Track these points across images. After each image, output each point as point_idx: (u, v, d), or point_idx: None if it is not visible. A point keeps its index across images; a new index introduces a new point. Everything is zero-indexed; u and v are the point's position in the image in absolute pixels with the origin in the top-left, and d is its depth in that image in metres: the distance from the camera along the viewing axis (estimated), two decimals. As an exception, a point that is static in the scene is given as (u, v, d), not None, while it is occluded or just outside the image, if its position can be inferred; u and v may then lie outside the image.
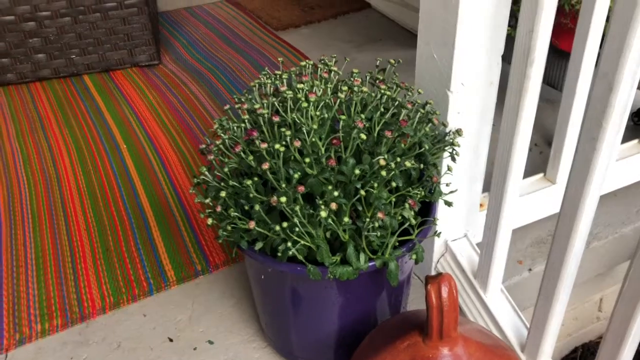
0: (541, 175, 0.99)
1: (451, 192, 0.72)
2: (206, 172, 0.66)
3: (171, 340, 0.86)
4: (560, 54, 1.22)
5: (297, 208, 0.59)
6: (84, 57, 1.55)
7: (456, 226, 0.87)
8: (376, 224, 0.59)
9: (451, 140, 0.70)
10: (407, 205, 0.61)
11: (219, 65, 1.60)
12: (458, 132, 0.71)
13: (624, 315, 0.62)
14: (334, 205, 0.59)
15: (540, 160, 1.15)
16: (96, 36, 1.52)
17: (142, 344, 0.85)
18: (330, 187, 0.59)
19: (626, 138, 1.06)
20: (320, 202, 0.59)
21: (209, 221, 0.65)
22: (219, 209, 0.65)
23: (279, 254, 0.61)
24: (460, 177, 0.80)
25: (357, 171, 0.60)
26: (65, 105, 1.46)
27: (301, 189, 0.59)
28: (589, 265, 1.02)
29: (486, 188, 0.82)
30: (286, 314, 0.73)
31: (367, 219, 0.60)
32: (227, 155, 0.66)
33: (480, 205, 0.90)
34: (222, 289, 0.94)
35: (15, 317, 0.89)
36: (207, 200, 0.66)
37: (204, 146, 0.71)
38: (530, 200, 0.95)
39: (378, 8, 1.85)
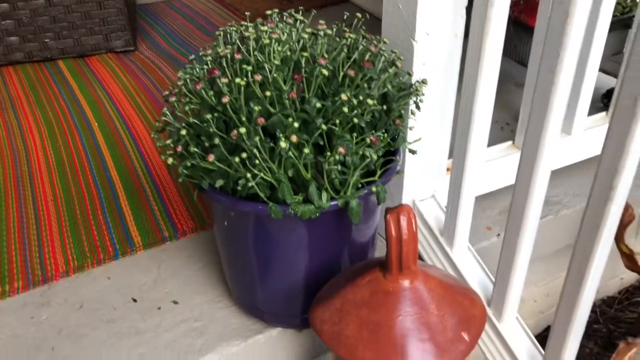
0: (510, 143, 0.99)
1: (415, 140, 0.72)
2: (167, 113, 0.66)
3: (135, 300, 0.84)
4: (531, 31, 1.24)
5: (257, 139, 0.58)
6: (58, 42, 1.54)
7: (423, 187, 0.87)
8: (337, 157, 0.59)
9: (416, 88, 0.70)
10: (368, 141, 0.61)
11: (195, 52, 1.60)
12: (423, 81, 0.72)
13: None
14: (294, 138, 0.59)
15: (511, 139, 1.15)
16: (71, 20, 1.51)
17: (105, 305, 0.84)
18: (290, 120, 0.59)
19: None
20: (281, 135, 0.59)
21: (170, 160, 0.64)
22: (179, 148, 0.64)
23: (239, 188, 0.60)
24: (426, 133, 0.81)
25: (318, 105, 0.60)
26: (37, 88, 1.44)
27: (261, 120, 0.59)
28: (558, 234, 1.02)
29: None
30: (250, 263, 0.72)
31: (328, 153, 0.60)
32: (189, 97, 0.66)
33: (447, 169, 0.90)
34: (190, 254, 0.92)
35: (-25, 280, 0.87)
36: (168, 142, 0.66)
37: (167, 92, 0.70)
38: (498, 167, 0.95)
39: (356, 2, 1.87)
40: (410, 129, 0.73)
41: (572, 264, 0.63)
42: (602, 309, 1.29)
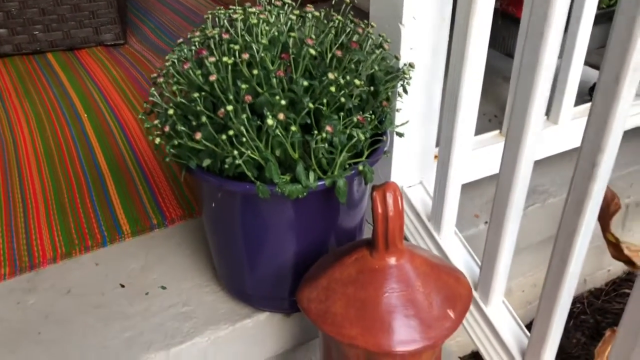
0: (497, 132, 1.00)
1: (402, 123, 0.73)
2: (155, 94, 0.66)
3: (123, 286, 0.84)
4: (519, 23, 1.25)
5: (244, 117, 0.58)
6: (47, 34, 1.53)
7: (411, 173, 0.88)
8: (324, 135, 0.59)
9: (403, 71, 0.70)
10: (355, 120, 0.61)
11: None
12: (410, 64, 0.72)
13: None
14: (281, 116, 0.59)
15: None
16: (60, 12, 1.51)
17: (92, 290, 0.84)
18: (278, 98, 0.59)
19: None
20: (269, 113, 0.59)
21: (157, 140, 0.65)
22: (167, 128, 0.64)
23: (227, 167, 0.60)
24: (413, 118, 0.81)
25: (305, 83, 0.60)
26: (26, 80, 1.44)
27: (248, 98, 0.59)
28: (545, 222, 1.03)
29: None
30: (238, 245, 0.72)
31: (315, 132, 0.60)
32: (176, 78, 0.66)
33: (435, 157, 0.91)
34: (178, 241, 0.92)
35: (-39, 266, 0.86)
36: (156, 122, 0.66)
37: (154, 75, 0.70)
38: (485, 156, 0.96)
39: (346, -2, 1.88)
40: (398, 110, 0.73)
41: (557, 243, 0.63)
42: (590, 300, 1.30)
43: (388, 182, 0.58)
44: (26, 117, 1.26)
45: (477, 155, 0.95)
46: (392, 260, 0.60)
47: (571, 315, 1.27)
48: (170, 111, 0.63)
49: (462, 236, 0.85)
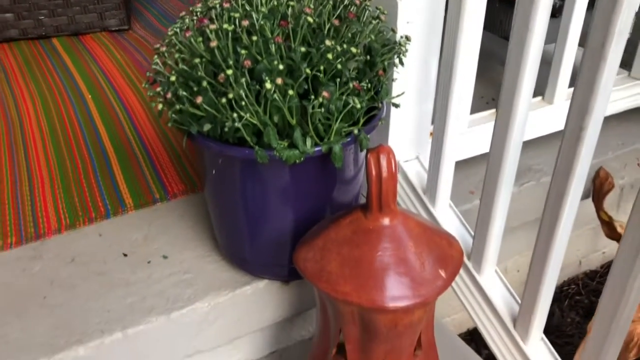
0: (492, 110, 1.02)
1: (398, 95, 0.75)
2: (158, 62, 0.68)
3: (125, 255, 0.86)
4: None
5: (243, 81, 0.60)
6: (53, 19, 1.55)
7: (408, 149, 0.90)
8: (321, 100, 0.62)
9: (399, 44, 0.72)
10: (351, 86, 0.63)
11: (188, 32, 1.62)
12: (407, 37, 0.74)
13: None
14: (279, 80, 0.61)
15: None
16: (65, -3, 1.53)
17: (96, 259, 0.86)
18: (276, 63, 0.61)
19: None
20: (267, 77, 0.61)
21: (159, 106, 0.67)
22: (169, 95, 0.66)
23: (226, 130, 0.63)
24: (409, 93, 0.83)
25: (303, 49, 0.62)
26: (32, 63, 1.46)
27: (247, 62, 0.61)
28: (539, 201, 1.05)
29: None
30: (237, 212, 0.74)
31: (312, 97, 0.62)
32: (178, 46, 0.68)
33: (431, 134, 0.93)
34: (180, 214, 0.95)
35: (-31, 235, 0.88)
36: (158, 89, 0.68)
37: (157, 46, 0.72)
38: (480, 134, 0.98)
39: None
40: (394, 80, 0.75)
41: (546, 206, 0.65)
42: (585, 281, 1.32)
43: (382, 145, 0.60)
44: (32, 98, 1.28)
45: (472, 133, 0.97)
46: (386, 221, 0.62)
47: (567, 295, 1.29)
48: (173, 77, 0.65)
49: (457, 210, 0.87)
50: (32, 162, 1.06)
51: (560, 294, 1.29)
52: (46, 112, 1.23)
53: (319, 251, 0.64)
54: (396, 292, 0.59)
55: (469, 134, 0.95)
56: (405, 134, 0.88)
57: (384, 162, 0.59)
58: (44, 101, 1.27)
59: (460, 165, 0.98)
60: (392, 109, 0.85)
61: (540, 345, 0.75)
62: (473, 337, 1.20)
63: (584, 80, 0.56)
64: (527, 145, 1.03)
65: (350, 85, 0.63)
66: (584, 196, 1.12)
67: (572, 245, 1.27)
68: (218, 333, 0.81)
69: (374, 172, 0.59)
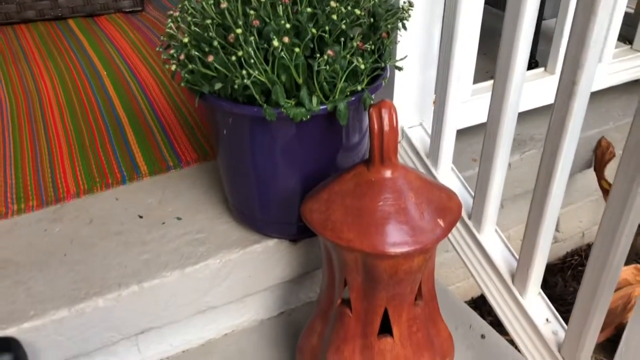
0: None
1: (401, 58, 0.78)
2: (172, 25, 0.72)
3: (141, 217, 0.91)
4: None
5: (252, 39, 0.64)
6: (68, 1, 1.60)
7: (412, 115, 0.93)
8: (326, 58, 0.65)
9: (402, 9, 0.75)
10: (355, 45, 0.67)
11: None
12: (410, 3, 0.77)
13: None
14: (286, 39, 0.64)
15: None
16: (81, -21, 1.57)
17: (113, 220, 0.90)
18: (283, 22, 0.65)
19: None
20: (275, 36, 0.64)
21: (173, 67, 0.70)
22: (182, 57, 0.70)
23: (236, 87, 0.66)
24: (412, 60, 0.86)
25: (309, 9, 0.66)
26: (49, 42, 1.50)
27: (256, 22, 0.64)
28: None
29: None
30: (247, 171, 0.77)
31: (318, 55, 0.66)
32: (191, 11, 0.72)
33: (434, 102, 0.96)
34: (193, 180, 0.99)
35: (-7, 199, 0.93)
36: (172, 52, 0.71)
37: (171, 12, 0.76)
38: (483, 103, 1.00)
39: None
40: (397, 42, 0.78)
41: (542, 163, 0.68)
42: (587, 252, 1.34)
43: (384, 100, 0.63)
44: (49, 75, 1.33)
45: (475, 102, 0.99)
46: (388, 173, 0.65)
47: (570, 266, 1.31)
48: (185, 39, 0.68)
49: (460, 175, 0.90)
50: (50, 132, 1.10)
51: (564, 264, 1.32)
52: (64, 87, 1.27)
53: (324, 203, 0.67)
54: (396, 239, 0.62)
55: (472, 102, 0.98)
56: (409, 101, 0.91)
57: (385, 116, 0.62)
58: (61, 77, 1.31)
59: (464, 133, 1.01)
60: (397, 77, 0.89)
61: (538, 299, 0.78)
62: (477, 305, 1.23)
63: (576, 36, 0.59)
64: (529, 115, 1.06)
65: (355, 44, 0.67)
66: (586, 166, 1.15)
67: (574, 217, 1.30)
68: (229, 289, 0.85)
69: (376, 126, 0.63)
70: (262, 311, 0.96)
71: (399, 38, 0.81)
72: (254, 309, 0.95)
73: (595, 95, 1.12)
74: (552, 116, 0.65)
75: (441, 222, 0.65)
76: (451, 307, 0.99)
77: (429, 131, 0.93)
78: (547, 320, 0.76)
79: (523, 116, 1.06)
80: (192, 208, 0.92)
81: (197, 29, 0.69)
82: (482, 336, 0.94)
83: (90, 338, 0.78)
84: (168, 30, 0.72)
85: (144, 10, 1.69)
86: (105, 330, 0.79)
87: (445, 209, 0.66)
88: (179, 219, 0.90)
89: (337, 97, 0.69)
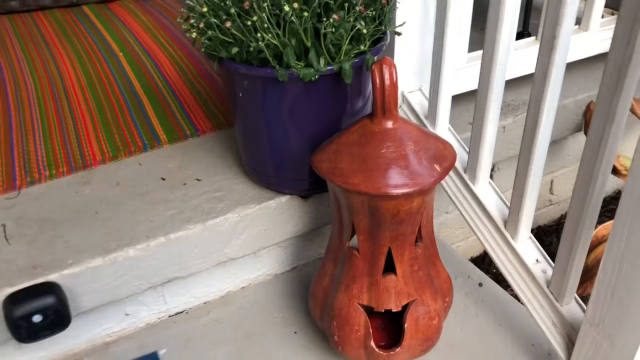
0: (490, 49, 1.12)
1: (400, 25, 0.85)
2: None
3: (164, 179, 0.98)
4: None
5: (265, 5, 0.71)
6: (83, -13, 1.67)
7: (411, 81, 1.00)
8: (331, 21, 0.72)
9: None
10: (357, 10, 0.74)
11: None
12: (406, -26, 0.84)
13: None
14: (295, 5, 0.72)
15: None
16: (94, -34, 1.64)
17: (138, 182, 0.98)
18: (292, -10, 0.72)
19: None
20: (285, 2, 0.72)
21: (194, 34, 0.78)
22: (201, 25, 0.77)
23: (251, 49, 0.74)
24: (411, 26, 0.93)
25: (314, -22, 0.73)
26: (66, 27, 1.58)
27: (268, -8, 0.72)
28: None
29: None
30: (261, 130, 0.85)
31: (324, 19, 0.73)
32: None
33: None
34: (209, 147, 1.06)
35: (26, 166, 1.01)
36: (192, 21, 0.79)
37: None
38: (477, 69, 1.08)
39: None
40: (396, 8, 0.85)
41: (529, 111, 0.75)
42: (581, 215, 1.41)
43: (385, 57, 0.71)
44: (69, 57, 1.41)
45: (471, 69, 1.06)
46: (389, 124, 0.73)
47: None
48: (205, 8, 0.76)
49: (456, 134, 0.98)
50: (74, 108, 1.18)
51: (559, 225, 1.39)
52: (83, 68, 1.35)
53: (332, 153, 0.75)
54: (398, 181, 0.70)
55: (467, 69, 1.05)
56: (408, 66, 0.98)
57: (386, 72, 0.70)
58: (80, 59, 1.39)
59: (461, 99, 1.08)
60: (396, 44, 0.96)
61: (528, 242, 0.85)
62: (476, 263, 1.30)
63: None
64: (521, 81, 1.13)
65: (357, 9, 0.74)
66: (577, 129, 1.22)
67: (568, 180, 1.37)
68: (247, 242, 0.93)
69: (377, 80, 0.70)
70: (276, 266, 1.04)
71: (397, 5, 0.88)
72: (269, 263, 1.03)
73: (584, 63, 1.20)
74: (536, 70, 0.72)
75: (437, 167, 0.72)
76: (451, 260, 1.07)
77: (427, 95, 1.00)
78: (537, 260, 0.84)
79: (516, 83, 1.14)
80: (210, 171, 1.00)
81: (215, 0, 0.76)
82: (480, 284, 1.02)
83: (121, 285, 0.86)
84: (188, 2, 0.80)
85: (154, -4, 1.76)
86: (135, 278, 0.87)
87: (441, 156, 0.74)
88: (198, 180, 0.98)
89: (342, 58, 0.76)
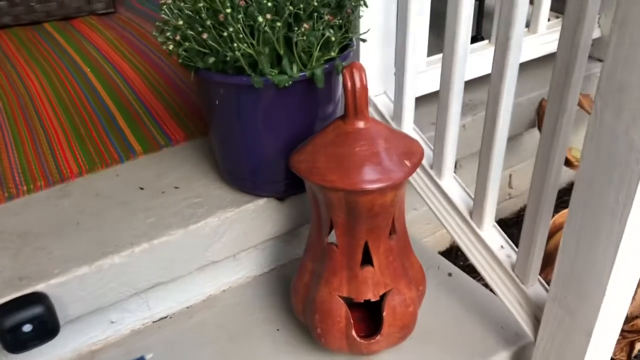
0: (447, 53, 1.18)
1: (364, 32, 0.91)
2: (166, 10, 0.83)
3: (142, 188, 1.01)
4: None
5: (240, 17, 0.76)
6: (43, 5, 1.68)
7: (377, 84, 1.06)
8: (303, 30, 0.77)
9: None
10: (326, 18, 0.79)
11: (171, 11, 1.76)
12: (369, -17, 0.90)
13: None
14: (268, 16, 0.76)
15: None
16: (55, -16, 1.65)
17: (117, 193, 1.00)
18: (265, 1, 0.76)
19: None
20: (259, 14, 0.76)
21: (170, 47, 0.81)
22: (177, 37, 0.81)
23: (227, 59, 0.78)
24: (375, 34, 0.99)
25: (285, -10, 0.78)
26: (29, 45, 1.58)
27: (242, 2, 0.76)
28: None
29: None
30: (237, 136, 0.89)
31: (296, 28, 0.78)
32: (183, -1, 0.83)
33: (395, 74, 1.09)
34: (185, 155, 1.09)
35: (2, 183, 1.02)
36: (168, 34, 0.83)
37: (163, 1, 0.87)
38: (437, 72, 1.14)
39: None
40: (361, 17, 0.91)
41: (487, 109, 0.82)
42: (539, 206, 1.49)
43: (355, 62, 0.76)
44: (35, 74, 1.41)
45: (432, 72, 1.13)
46: (361, 124, 0.78)
47: (523, 220, 1.46)
48: (180, 22, 0.80)
49: (421, 133, 1.04)
50: (45, 124, 1.19)
51: (518, 218, 1.48)
52: (51, 85, 1.36)
53: (309, 154, 0.79)
54: (372, 177, 0.75)
55: (428, 72, 1.12)
56: (374, 72, 1.04)
57: (357, 75, 0.75)
58: (47, 76, 1.40)
59: (424, 100, 1.14)
60: (362, 51, 1.01)
61: (493, 230, 0.91)
62: (444, 257, 1.37)
63: (506, 1, 0.73)
64: (478, 82, 1.20)
65: (326, 18, 0.79)
66: (531, 126, 1.30)
67: (525, 174, 1.45)
68: (227, 245, 0.97)
69: (349, 84, 0.75)
70: (255, 268, 1.07)
71: (362, 14, 0.94)
72: (248, 266, 1.06)
73: (534, 63, 1.28)
74: (493, 68, 0.79)
75: (407, 163, 0.78)
76: (421, 253, 1.12)
77: (392, 98, 1.06)
78: (501, 246, 0.90)
79: (472, 84, 1.20)
80: (187, 178, 1.03)
81: (189, 13, 0.80)
82: (449, 274, 1.08)
83: (108, 292, 0.88)
84: (163, 15, 0.83)
85: (116, 11, 1.78)
86: (120, 285, 0.89)
87: (410, 152, 0.79)
88: (176, 187, 1.01)
89: (314, 64, 0.81)
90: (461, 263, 1.36)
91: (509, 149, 1.32)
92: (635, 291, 1.13)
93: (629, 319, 1.15)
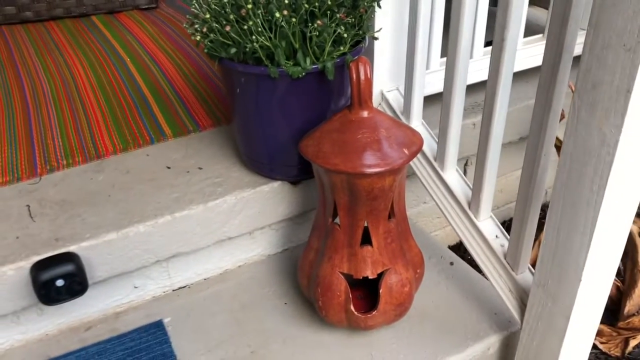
0: (462, 55, 1.24)
1: (377, 30, 0.98)
2: (195, 4, 0.92)
3: (169, 167, 1.10)
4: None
5: (259, 12, 0.84)
6: (92, -1, 1.80)
7: (389, 82, 1.13)
8: (316, 26, 0.85)
9: (376, -10, 0.95)
10: (338, 17, 0.87)
11: (208, 8, 1.87)
12: (383, -14, 0.97)
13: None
14: (285, 12, 0.84)
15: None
16: (103, -21, 1.78)
17: (146, 170, 1.10)
18: (282, -1, 0.85)
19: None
20: (276, 10, 0.85)
21: (198, 37, 0.90)
22: (205, 29, 0.90)
23: (247, 50, 0.86)
24: (387, 32, 1.06)
25: (301, -10, 0.86)
26: (76, 35, 1.71)
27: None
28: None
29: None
30: (255, 123, 0.97)
31: (310, 24, 0.86)
32: (211, -5, 0.92)
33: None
34: (210, 140, 1.19)
35: (45, 156, 1.13)
36: (196, 26, 0.92)
37: (194, -3, 0.96)
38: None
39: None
40: (373, 17, 0.98)
41: (485, 106, 0.88)
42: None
43: (361, 56, 0.83)
44: (80, 62, 1.53)
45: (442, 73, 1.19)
46: (365, 114, 0.85)
47: (534, 220, 1.50)
48: (207, 15, 0.89)
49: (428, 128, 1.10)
50: (87, 107, 1.30)
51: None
52: (94, 72, 1.47)
53: (316, 139, 0.87)
54: (372, 162, 0.82)
55: (441, 72, 1.18)
56: (386, 68, 1.11)
57: (361, 69, 0.82)
58: (91, 64, 1.52)
59: (436, 99, 1.21)
60: (375, 49, 1.08)
61: (489, 221, 0.97)
62: (452, 251, 1.42)
63: (502, 5, 0.79)
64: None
65: (338, 16, 0.87)
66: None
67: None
68: (243, 222, 1.05)
69: (354, 76, 0.83)
70: (269, 247, 1.16)
71: (375, 14, 1.01)
72: (263, 245, 1.15)
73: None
74: (490, 69, 0.85)
75: (406, 151, 0.85)
76: (426, 243, 1.19)
77: (403, 94, 1.13)
78: (496, 236, 0.96)
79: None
80: (210, 160, 1.12)
81: (216, 7, 0.89)
82: (451, 263, 1.14)
83: (132, 258, 0.98)
84: (193, 9, 0.92)
85: (158, 7, 1.89)
86: (144, 252, 0.98)
87: (410, 142, 0.86)
88: (200, 168, 1.10)
89: (325, 58, 0.89)
90: (469, 257, 1.41)
91: (518, 149, 1.37)
92: (634, 290, 1.18)
93: (625, 317, 1.19)
